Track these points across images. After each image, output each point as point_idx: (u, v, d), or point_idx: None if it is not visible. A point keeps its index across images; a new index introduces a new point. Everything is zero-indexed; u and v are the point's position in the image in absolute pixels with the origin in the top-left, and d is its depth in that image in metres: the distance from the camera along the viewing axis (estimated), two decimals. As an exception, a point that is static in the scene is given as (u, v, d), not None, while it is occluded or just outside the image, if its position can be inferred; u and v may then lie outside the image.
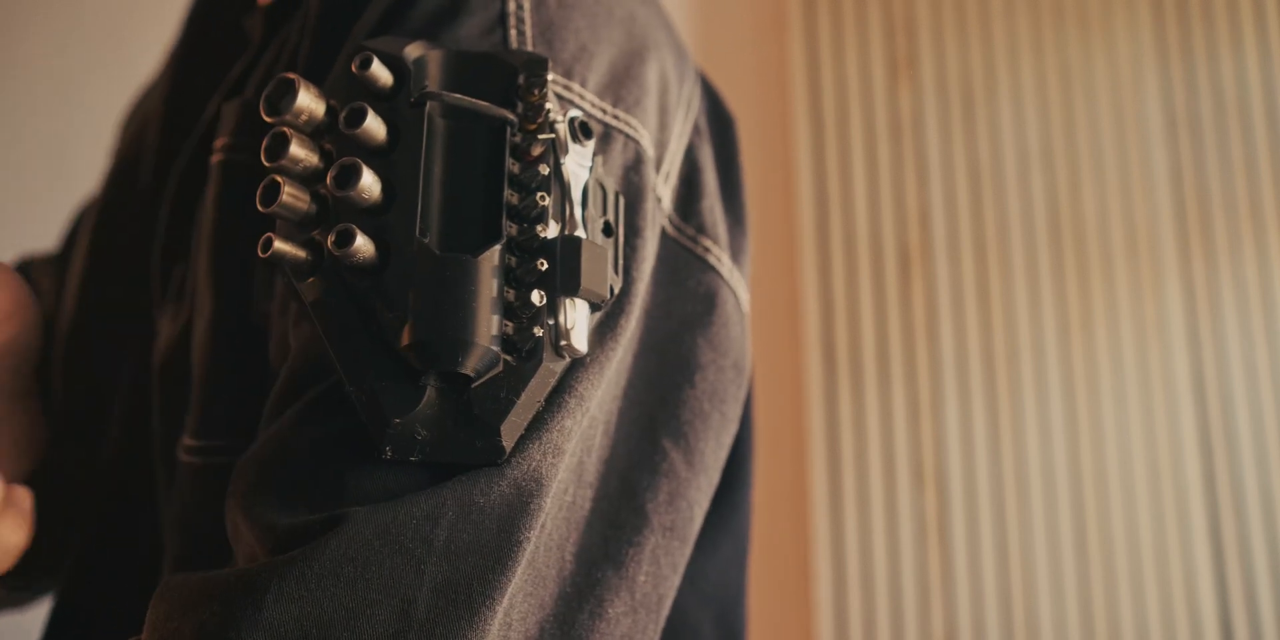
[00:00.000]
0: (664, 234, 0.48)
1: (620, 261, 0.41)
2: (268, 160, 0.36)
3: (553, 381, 0.37)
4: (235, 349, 0.46)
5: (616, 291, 0.40)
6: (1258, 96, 1.57)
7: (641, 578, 0.42)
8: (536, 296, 0.36)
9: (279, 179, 0.36)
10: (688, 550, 0.45)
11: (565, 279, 0.37)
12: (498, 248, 0.36)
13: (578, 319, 0.37)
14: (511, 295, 0.36)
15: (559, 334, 0.37)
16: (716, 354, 0.48)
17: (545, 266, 0.36)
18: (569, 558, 0.40)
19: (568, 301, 0.37)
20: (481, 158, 0.37)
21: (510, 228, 0.37)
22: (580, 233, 0.38)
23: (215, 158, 0.49)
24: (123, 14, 1.46)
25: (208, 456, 0.46)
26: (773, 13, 1.72)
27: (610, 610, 0.40)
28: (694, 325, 0.47)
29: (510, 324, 0.36)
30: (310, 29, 0.47)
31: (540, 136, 0.38)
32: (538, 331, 0.36)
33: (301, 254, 0.37)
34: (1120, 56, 1.61)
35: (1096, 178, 1.57)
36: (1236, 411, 1.48)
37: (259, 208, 0.36)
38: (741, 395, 0.50)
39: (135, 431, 0.55)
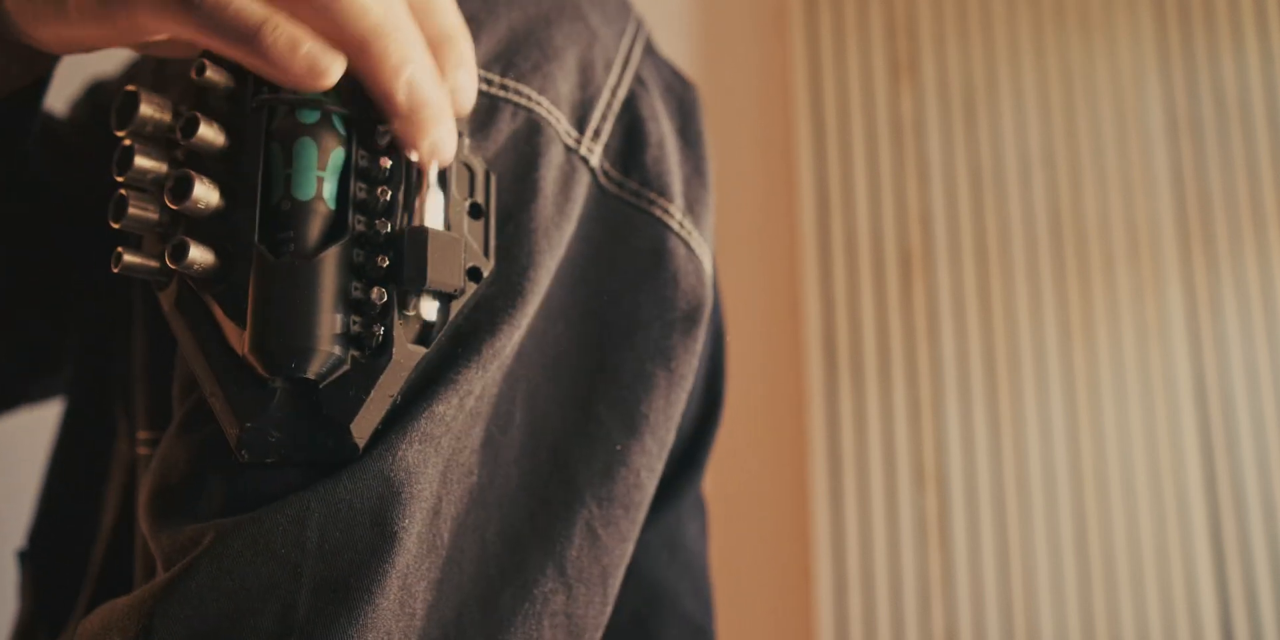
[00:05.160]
0: (602, 192, 0.47)
1: (492, 242, 0.40)
2: (117, 175, 0.36)
3: (405, 375, 0.37)
4: (169, 342, 0.46)
5: (487, 274, 0.40)
6: (1259, 98, 1.56)
7: (573, 552, 0.41)
8: (376, 293, 0.36)
9: (125, 194, 0.36)
10: (639, 516, 0.44)
11: (412, 272, 0.36)
12: (337, 248, 0.36)
13: (434, 310, 0.37)
14: (360, 292, 0.36)
15: (412, 326, 0.37)
16: (662, 309, 0.47)
17: (386, 262, 0.36)
18: (491, 538, 0.40)
19: (421, 293, 0.37)
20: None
21: (359, 223, 0.36)
22: (433, 222, 0.37)
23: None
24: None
25: (156, 448, 0.45)
26: (774, 14, 1.72)
27: (536, 590, 0.40)
28: (638, 282, 0.47)
29: (359, 320, 0.36)
30: None
31: (382, 127, 0.37)
32: (378, 329, 0.36)
33: (154, 264, 0.37)
34: (1122, 59, 1.61)
35: (1098, 179, 1.57)
36: (1237, 413, 1.48)
37: (111, 223, 0.36)
38: (696, 348, 0.48)
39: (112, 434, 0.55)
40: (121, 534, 0.54)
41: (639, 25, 0.53)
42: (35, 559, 0.60)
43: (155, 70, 0.57)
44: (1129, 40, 1.61)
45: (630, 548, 0.44)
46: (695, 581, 0.56)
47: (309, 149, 0.36)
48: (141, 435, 0.48)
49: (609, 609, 0.43)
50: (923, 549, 1.49)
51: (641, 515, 0.45)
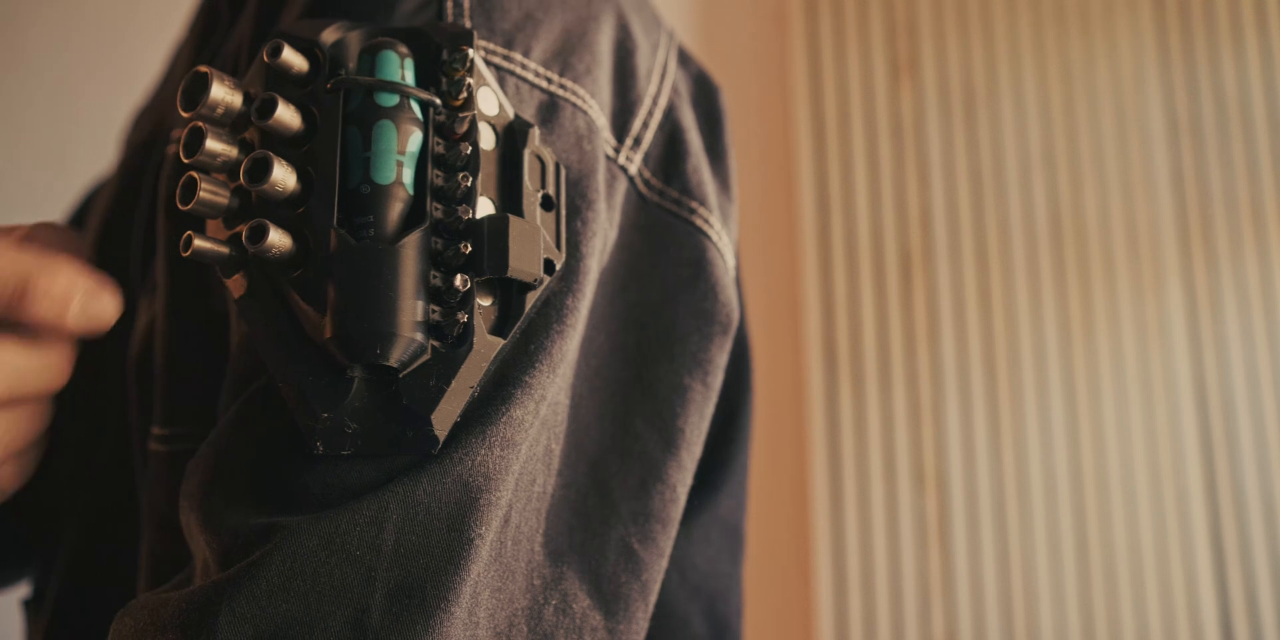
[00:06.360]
0: (642, 200, 0.46)
1: (562, 235, 0.40)
2: (185, 156, 0.35)
3: (485, 366, 0.36)
4: (196, 335, 0.45)
5: (559, 266, 0.39)
6: (1259, 99, 1.56)
7: (609, 569, 0.40)
8: (460, 281, 0.35)
9: (195, 176, 0.35)
10: (674, 531, 0.44)
11: (493, 260, 0.36)
12: (418, 233, 0.35)
13: (510, 300, 0.37)
14: (439, 280, 0.35)
15: (488, 317, 0.36)
16: (701, 321, 0.46)
17: (469, 249, 0.35)
18: (538, 550, 0.39)
19: (499, 282, 0.36)
20: None
21: (436, 210, 0.36)
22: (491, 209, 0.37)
23: (170, 148, 0.48)
24: (123, 13, 1.46)
25: (174, 444, 0.45)
26: (774, 14, 1.72)
27: (575, 605, 0.39)
28: (678, 293, 0.46)
29: (438, 309, 0.35)
30: (251, 13, 0.46)
31: (461, 114, 0.37)
32: (461, 317, 0.35)
33: (224, 250, 0.36)
34: (1122, 58, 1.61)
35: (1098, 180, 1.57)
36: (1238, 414, 1.48)
37: (179, 206, 0.35)
38: (724, 360, 0.48)
39: (117, 425, 0.54)
40: (92, 530, 0.53)
41: (670, 35, 0.53)
42: (39, 607, 0.59)
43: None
44: (1129, 40, 1.61)
45: (665, 563, 0.44)
46: (708, 604, 0.54)
47: (388, 132, 0.36)
48: (156, 431, 0.47)
49: (647, 625, 0.42)
50: (923, 551, 1.49)
51: (674, 529, 0.44)
